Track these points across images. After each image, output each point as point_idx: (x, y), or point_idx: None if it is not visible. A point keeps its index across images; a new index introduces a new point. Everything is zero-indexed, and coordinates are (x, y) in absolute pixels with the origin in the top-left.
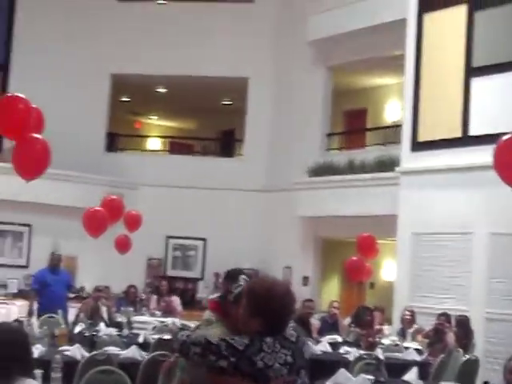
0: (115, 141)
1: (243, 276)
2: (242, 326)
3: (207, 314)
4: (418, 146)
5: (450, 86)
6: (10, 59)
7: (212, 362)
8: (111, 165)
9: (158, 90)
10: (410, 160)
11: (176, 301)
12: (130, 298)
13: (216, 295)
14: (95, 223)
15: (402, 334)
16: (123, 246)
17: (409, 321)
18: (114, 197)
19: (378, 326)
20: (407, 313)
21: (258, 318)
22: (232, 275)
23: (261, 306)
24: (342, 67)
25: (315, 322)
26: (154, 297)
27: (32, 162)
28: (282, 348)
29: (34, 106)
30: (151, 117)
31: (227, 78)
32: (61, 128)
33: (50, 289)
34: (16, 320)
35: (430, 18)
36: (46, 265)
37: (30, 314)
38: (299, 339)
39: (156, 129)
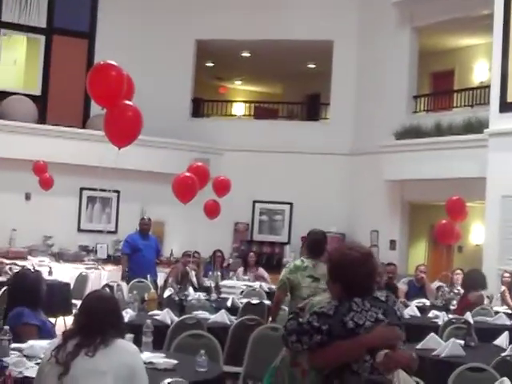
0: (200, 106)
1: None
2: (329, 290)
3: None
4: (506, 106)
5: None
6: (96, 27)
7: (308, 343)
8: (197, 130)
9: (242, 54)
10: (498, 121)
11: (263, 274)
12: (217, 263)
13: None
14: (185, 189)
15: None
16: (212, 211)
17: (507, 283)
18: (200, 163)
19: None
20: (507, 275)
21: (337, 283)
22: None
23: (336, 271)
24: (429, 28)
25: (402, 286)
26: (241, 268)
27: (124, 129)
28: (372, 307)
29: (125, 72)
30: (236, 82)
31: (312, 41)
32: (147, 94)
33: (140, 254)
34: (106, 285)
35: None
36: (136, 230)
37: (124, 278)
38: (389, 298)
39: (241, 94)
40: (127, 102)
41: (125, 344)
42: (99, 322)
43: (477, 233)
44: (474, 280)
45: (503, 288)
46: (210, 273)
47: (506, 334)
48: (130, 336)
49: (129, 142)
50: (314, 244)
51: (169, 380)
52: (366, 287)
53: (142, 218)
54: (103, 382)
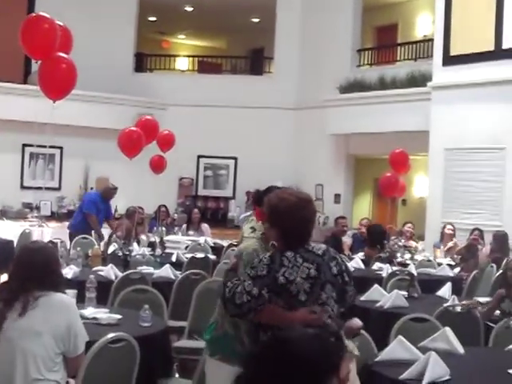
0: (143, 61)
1: None
2: (266, 237)
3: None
4: (449, 60)
5: None
6: None
7: (252, 308)
8: (140, 85)
9: (185, 8)
10: (441, 74)
11: (207, 230)
12: (162, 218)
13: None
14: (131, 144)
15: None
16: (158, 166)
17: (450, 236)
18: (149, 117)
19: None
20: (450, 227)
21: (275, 227)
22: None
23: (274, 214)
24: None
25: (347, 239)
26: (184, 225)
27: (58, 81)
28: (304, 261)
29: (61, 24)
30: (179, 36)
31: None
32: (89, 49)
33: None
34: (50, 242)
35: None
36: (99, 192)
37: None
38: (326, 253)
39: (184, 48)
40: (61, 54)
41: (59, 298)
42: (31, 273)
43: (420, 186)
44: (382, 233)
45: (453, 241)
46: (155, 228)
47: (448, 285)
48: (73, 292)
49: (63, 94)
50: (254, 197)
51: (112, 334)
52: (302, 233)
53: (110, 186)
54: (41, 342)
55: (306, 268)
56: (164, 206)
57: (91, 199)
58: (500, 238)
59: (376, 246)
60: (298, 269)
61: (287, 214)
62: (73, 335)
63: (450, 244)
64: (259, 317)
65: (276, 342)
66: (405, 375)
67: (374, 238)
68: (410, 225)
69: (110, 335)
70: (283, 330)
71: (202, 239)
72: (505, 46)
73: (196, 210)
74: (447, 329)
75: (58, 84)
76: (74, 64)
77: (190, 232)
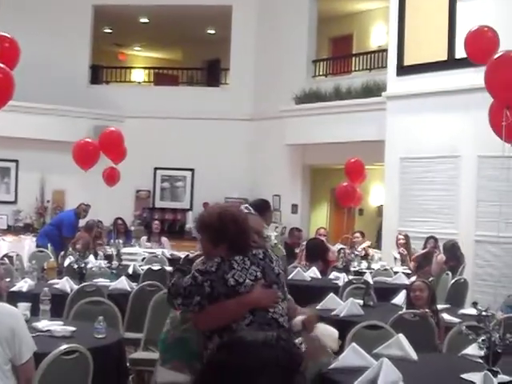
0: (99, 73)
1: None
2: (209, 257)
3: None
4: (403, 70)
5: (436, 9)
6: None
7: (192, 304)
8: (96, 97)
9: (140, 20)
10: (395, 84)
11: (165, 242)
12: (119, 230)
13: None
14: (86, 156)
15: (401, 259)
16: (111, 178)
17: (403, 245)
18: (113, 128)
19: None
20: (401, 237)
21: (221, 246)
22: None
23: (218, 235)
24: None
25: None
26: (145, 237)
27: None
28: (251, 265)
29: (7, 36)
30: (135, 48)
31: (210, 6)
32: (44, 62)
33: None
34: (5, 255)
35: None
36: (75, 211)
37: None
38: (266, 255)
39: (140, 60)
40: None
41: (2, 305)
42: None
43: (377, 195)
44: (320, 247)
45: (405, 252)
46: (112, 241)
47: (403, 293)
48: (27, 305)
49: (1, 104)
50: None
51: (65, 346)
52: (247, 242)
53: (85, 204)
54: None
55: (254, 271)
56: (120, 218)
57: (72, 223)
58: (449, 248)
59: (316, 261)
60: (246, 271)
61: (233, 230)
62: (17, 340)
63: (400, 251)
64: (200, 322)
65: (225, 351)
66: (357, 382)
67: (312, 253)
68: (357, 234)
69: (63, 346)
70: (232, 339)
71: (158, 251)
72: (458, 55)
73: (157, 222)
74: (400, 335)
75: None
76: (11, 74)
77: (148, 244)
